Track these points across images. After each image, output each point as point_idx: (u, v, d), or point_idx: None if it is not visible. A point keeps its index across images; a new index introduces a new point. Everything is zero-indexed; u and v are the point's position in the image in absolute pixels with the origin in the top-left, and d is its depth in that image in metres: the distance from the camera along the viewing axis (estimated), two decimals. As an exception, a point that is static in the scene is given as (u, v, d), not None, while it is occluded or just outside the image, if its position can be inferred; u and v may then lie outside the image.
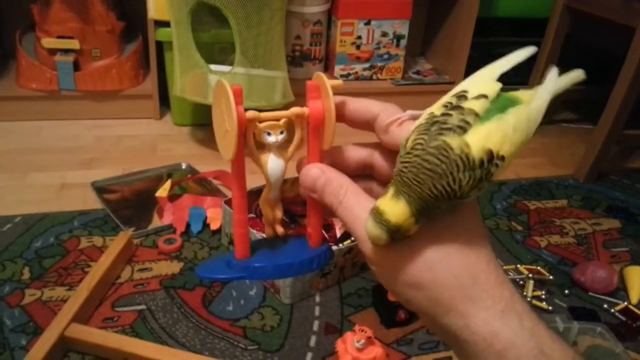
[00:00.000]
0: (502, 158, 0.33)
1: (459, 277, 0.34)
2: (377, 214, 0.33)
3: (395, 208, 0.33)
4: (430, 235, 0.35)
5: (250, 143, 0.40)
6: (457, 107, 0.34)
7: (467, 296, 0.34)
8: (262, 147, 0.41)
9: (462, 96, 0.34)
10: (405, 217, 0.33)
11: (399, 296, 0.36)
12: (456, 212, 0.36)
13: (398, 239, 0.34)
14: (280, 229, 0.44)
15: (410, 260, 0.35)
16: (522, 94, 0.36)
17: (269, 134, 0.40)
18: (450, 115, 0.33)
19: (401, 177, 0.33)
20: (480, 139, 0.32)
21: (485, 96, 0.34)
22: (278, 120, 0.40)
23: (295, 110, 0.40)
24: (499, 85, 0.36)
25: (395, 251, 0.35)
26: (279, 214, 0.43)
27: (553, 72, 0.37)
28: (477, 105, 0.34)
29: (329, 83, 0.38)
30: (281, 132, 0.40)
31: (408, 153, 0.33)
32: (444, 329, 0.35)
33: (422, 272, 0.34)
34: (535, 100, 0.36)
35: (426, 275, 0.34)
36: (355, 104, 0.40)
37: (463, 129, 0.33)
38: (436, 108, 0.34)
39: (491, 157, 0.32)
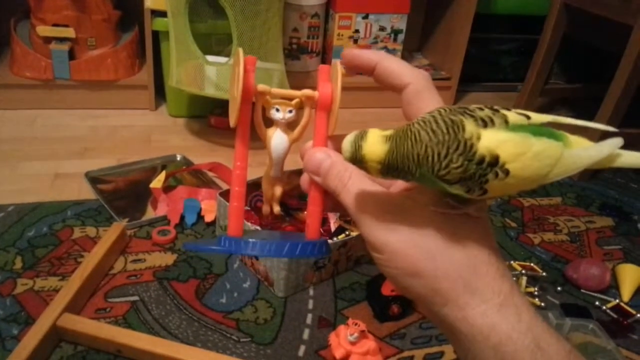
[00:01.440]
0: (507, 172, 0.32)
1: (460, 268, 0.34)
2: (361, 135, 0.34)
3: (377, 146, 0.33)
4: (433, 225, 0.35)
5: (258, 116, 0.41)
6: (493, 109, 0.33)
7: (466, 288, 0.34)
8: (271, 124, 0.42)
9: (507, 108, 0.34)
10: (375, 158, 0.33)
11: (397, 284, 0.36)
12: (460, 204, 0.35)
13: (356, 164, 0.35)
14: (277, 208, 0.44)
15: (413, 247, 0.35)
16: (574, 138, 0.34)
17: (277, 109, 0.41)
18: (482, 109, 0.33)
19: (408, 129, 0.33)
20: (493, 140, 0.32)
21: (527, 116, 0.34)
22: (290, 99, 0.41)
23: (306, 91, 0.41)
24: (549, 118, 0.34)
25: (399, 236, 0.35)
26: (278, 192, 0.44)
27: (615, 140, 0.34)
28: (512, 117, 0.33)
29: (341, 70, 0.39)
30: (290, 111, 0.41)
31: (425, 116, 0.33)
32: (441, 319, 0.35)
33: (423, 261, 0.34)
34: (580, 150, 0.34)
35: (427, 265, 0.34)
36: (389, 63, 0.39)
37: (485, 123, 0.32)
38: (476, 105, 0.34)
39: (494, 162, 0.31)
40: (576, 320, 0.97)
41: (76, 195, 1.27)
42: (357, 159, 0.34)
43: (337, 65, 0.40)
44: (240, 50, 0.39)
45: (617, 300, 1.10)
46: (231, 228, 0.41)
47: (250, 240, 0.40)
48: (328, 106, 0.40)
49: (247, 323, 0.97)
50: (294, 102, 0.41)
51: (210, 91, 1.44)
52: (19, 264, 1.04)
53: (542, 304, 1.07)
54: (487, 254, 0.35)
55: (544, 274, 1.14)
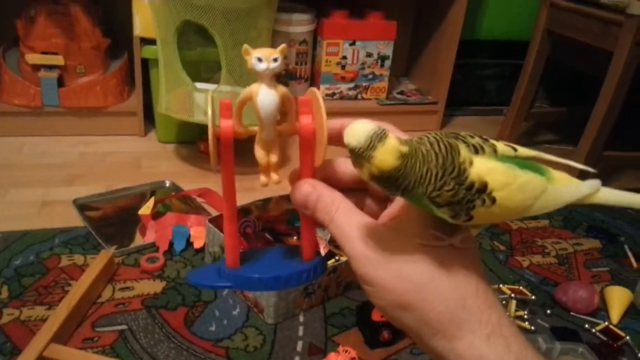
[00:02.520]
0: (493, 200, 0.33)
1: (448, 300, 0.35)
2: (380, 137, 0.31)
3: (390, 158, 0.31)
4: (420, 257, 0.35)
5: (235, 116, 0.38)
6: (483, 138, 0.34)
7: (454, 320, 0.34)
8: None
9: (495, 139, 0.35)
10: (382, 166, 0.31)
11: (387, 314, 0.37)
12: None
13: (356, 156, 0.32)
14: (275, 177, 0.40)
15: (401, 281, 0.35)
16: (557, 174, 0.36)
17: (259, 59, 0.36)
18: (472, 137, 0.34)
19: (419, 150, 0.32)
20: (483, 168, 0.32)
21: (514, 148, 0.35)
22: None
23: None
24: (533, 153, 0.36)
25: (386, 270, 0.35)
26: (274, 158, 0.40)
27: (594, 181, 0.36)
28: (501, 147, 0.34)
29: (321, 99, 0.37)
30: (274, 59, 0.36)
31: (429, 137, 0.33)
32: (430, 349, 0.36)
33: (411, 294, 0.35)
34: (563, 187, 0.36)
35: (415, 297, 0.35)
36: (355, 120, 0.40)
37: (476, 150, 0.33)
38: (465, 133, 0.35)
39: (483, 189, 0.32)
40: (566, 343, 0.97)
41: (64, 223, 1.26)
42: (363, 155, 0.31)
43: (316, 93, 0.38)
44: (209, 94, 0.37)
45: (606, 323, 1.10)
46: (228, 260, 0.42)
47: (246, 276, 0.41)
48: (311, 139, 0.38)
49: (237, 351, 0.96)
50: (279, 48, 0.37)
51: (199, 118, 1.45)
52: (5, 293, 1.03)
53: (532, 328, 1.07)
54: (475, 284, 0.36)
55: (533, 297, 1.14)
